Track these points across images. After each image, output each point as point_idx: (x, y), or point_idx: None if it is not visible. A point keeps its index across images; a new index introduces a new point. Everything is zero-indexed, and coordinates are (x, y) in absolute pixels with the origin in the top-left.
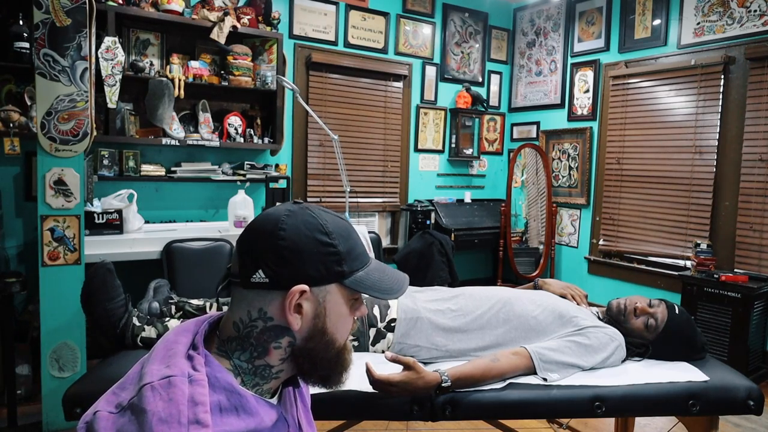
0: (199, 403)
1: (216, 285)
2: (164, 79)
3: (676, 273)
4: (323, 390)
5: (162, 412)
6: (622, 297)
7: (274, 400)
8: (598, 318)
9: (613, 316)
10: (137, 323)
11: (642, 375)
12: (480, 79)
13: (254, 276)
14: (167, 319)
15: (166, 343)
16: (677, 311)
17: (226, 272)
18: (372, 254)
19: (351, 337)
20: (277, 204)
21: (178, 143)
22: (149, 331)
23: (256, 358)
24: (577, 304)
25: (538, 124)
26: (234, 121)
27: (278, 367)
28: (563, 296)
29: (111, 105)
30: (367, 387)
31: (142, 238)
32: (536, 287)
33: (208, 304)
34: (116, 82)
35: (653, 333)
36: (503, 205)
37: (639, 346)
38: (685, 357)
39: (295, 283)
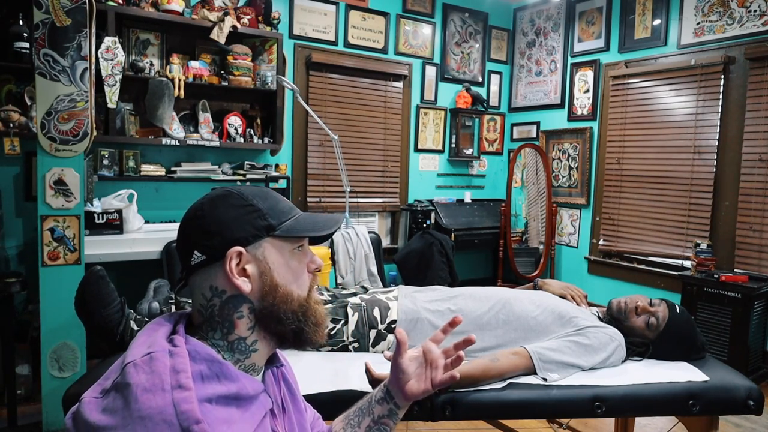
0: (180, 371)
1: (174, 289)
2: (164, 79)
3: (676, 273)
4: (324, 390)
5: (146, 383)
6: (623, 296)
7: (258, 378)
8: (598, 318)
9: (614, 315)
10: (135, 327)
11: (642, 375)
12: (480, 79)
13: (192, 258)
14: None
15: (147, 330)
16: (678, 310)
17: (179, 276)
18: (372, 254)
19: (351, 339)
20: None
21: (178, 143)
22: None
23: (227, 333)
24: (577, 304)
25: (538, 124)
26: (234, 121)
27: (251, 338)
28: (563, 296)
29: (111, 105)
30: (367, 387)
31: (142, 238)
32: (536, 288)
33: None
34: (116, 82)
35: (654, 332)
36: (503, 205)
37: (639, 346)
38: (685, 356)
39: (228, 247)
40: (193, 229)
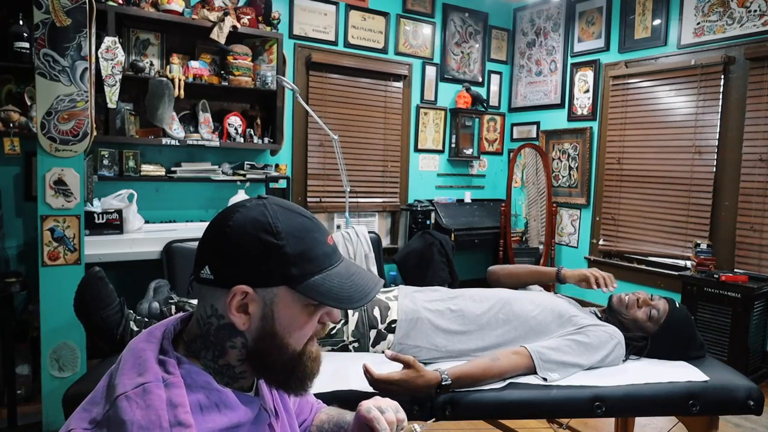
0: (178, 405)
1: (188, 281)
2: (164, 79)
3: (676, 273)
4: (324, 390)
5: (141, 420)
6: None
7: (251, 393)
8: (597, 317)
9: (614, 308)
10: (135, 328)
11: (642, 375)
12: (480, 79)
13: (202, 272)
14: None
15: (134, 351)
16: (677, 306)
17: (190, 276)
18: (372, 254)
19: (351, 339)
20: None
21: (178, 143)
22: None
23: (218, 357)
24: (605, 285)
25: (538, 124)
26: (234, 121)
27: (240, 368)
28: (586, 279)
29: (111, 105)
30: (367, 387)
31: (142, 238)
32: (558, 276)
33: None
34: (116, 82)
35: (655, 324)
36: (503, 205)
37: (639, 340)
38: (684, 353)
39: (237, 282)
40: (212, 244)
